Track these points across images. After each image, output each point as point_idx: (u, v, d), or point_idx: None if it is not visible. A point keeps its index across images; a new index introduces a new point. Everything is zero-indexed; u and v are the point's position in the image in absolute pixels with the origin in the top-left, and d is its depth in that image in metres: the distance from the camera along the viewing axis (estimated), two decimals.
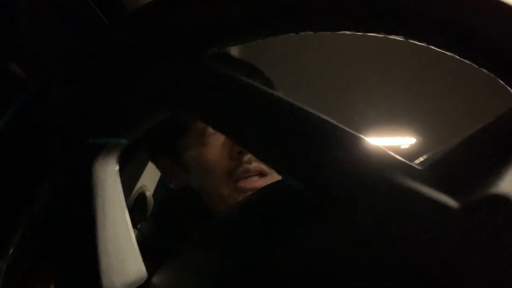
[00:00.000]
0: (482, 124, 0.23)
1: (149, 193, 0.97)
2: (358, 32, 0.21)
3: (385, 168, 0.20)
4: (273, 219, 0.21)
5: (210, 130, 0.62)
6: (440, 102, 2.19)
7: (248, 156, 0.60)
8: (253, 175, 0.60)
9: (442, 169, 0.20)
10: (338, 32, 0.22)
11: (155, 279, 0.24)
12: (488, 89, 2.07)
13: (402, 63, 1.92)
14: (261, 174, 0.61)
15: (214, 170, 0.61)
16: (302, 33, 0.22)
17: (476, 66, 0.22)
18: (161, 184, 1.02)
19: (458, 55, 0.22)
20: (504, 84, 0.23)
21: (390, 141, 2.52)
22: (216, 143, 0.61)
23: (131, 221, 0.25)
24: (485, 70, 0.22)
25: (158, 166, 0.69)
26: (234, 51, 1.34)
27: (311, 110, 0.21)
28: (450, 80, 2.03)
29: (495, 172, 0.20)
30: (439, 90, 2.10)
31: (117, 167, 0.24)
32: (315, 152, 0.20)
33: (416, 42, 0.22)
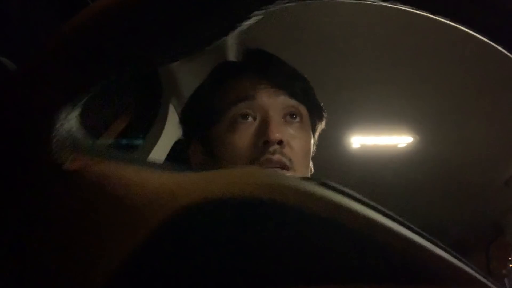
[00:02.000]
0: None
1: None
2: None
3: None
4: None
5: (240, 119, 0.65)
6: (437, 101, 2.19)
7: (273, 148, 0.62)
8: (275, 167, 0.62)
9: None
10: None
11: None
12: (486, 89, 2.07)
13: (399, 62, 1.92)
14: (283, 167, 0.62)
15: (239, 157, 0.63)
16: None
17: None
18: None
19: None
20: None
21: (387, 140, 2.52)
22: (245, 132, 0.64)
23: None
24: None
25: (189, 152, 0.71)
26: (233, 50, 1.33)
27: None
28: (447, 79, 2.03)
29: None
30: (436, 89, 2.10)
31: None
32: None
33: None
